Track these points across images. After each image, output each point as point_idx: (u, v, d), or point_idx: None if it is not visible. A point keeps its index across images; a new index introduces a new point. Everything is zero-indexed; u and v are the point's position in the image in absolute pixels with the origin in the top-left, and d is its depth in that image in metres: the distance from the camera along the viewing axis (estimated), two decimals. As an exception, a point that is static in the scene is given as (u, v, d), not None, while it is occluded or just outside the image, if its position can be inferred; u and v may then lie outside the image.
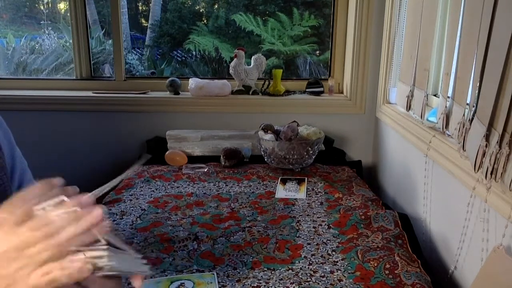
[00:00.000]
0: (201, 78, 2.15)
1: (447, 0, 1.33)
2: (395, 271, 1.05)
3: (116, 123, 2.08)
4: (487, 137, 0.96)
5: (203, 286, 0.61)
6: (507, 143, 0.89)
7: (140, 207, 1.42)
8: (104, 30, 3.85)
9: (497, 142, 0.92)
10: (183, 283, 0.75)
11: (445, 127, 1.25)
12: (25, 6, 4.13)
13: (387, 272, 1.05)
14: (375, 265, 1.08)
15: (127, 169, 0.62)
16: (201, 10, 4.64)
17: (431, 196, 1.40)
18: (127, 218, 1.34)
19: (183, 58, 4.42)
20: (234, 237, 1.22)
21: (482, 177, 1.00)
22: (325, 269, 1.07)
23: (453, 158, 1.18)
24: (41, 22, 3.99)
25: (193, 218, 1.34)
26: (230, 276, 1.02)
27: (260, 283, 1.01)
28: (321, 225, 1.30)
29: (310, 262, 1.10)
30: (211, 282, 0.63)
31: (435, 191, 1.38)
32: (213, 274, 0.79)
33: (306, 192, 1.55)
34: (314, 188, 1.58)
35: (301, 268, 1.07)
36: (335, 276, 1.04)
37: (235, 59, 2.06)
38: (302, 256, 1.13)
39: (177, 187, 1.60)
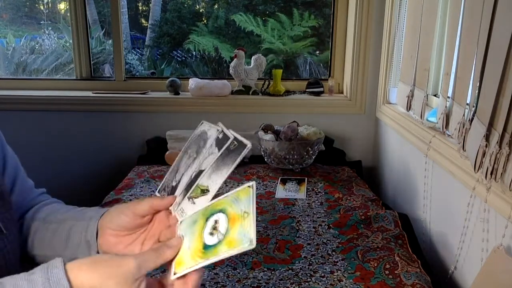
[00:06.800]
0: (201, 78, 2.15)
1: (447, 0, 1.33)
2: (395, 271, 1.05)
3: (116, 123, 2.08)
4: (487, 137, 0.96)
5: (238, 221, 0.50)
6: (507, 143, 0.89)
7: (140, 207, 1.42)
8: (104, 30, 3.84)
9: (497, 142, 0.91)
10: (217, 220, 0.60)
11: (445, 127, 1.24)
12: (25, 6, 4.12)
13: (387, 272, 1.05)
14: (375, 265, 1.08)
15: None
16: (201, 10, 4.64)
17: (431, 196, 1.40)
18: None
19: (183, 58, 4.41)
20: (234, 237, 1.22)
21: (482, 177, 1.00)
22: (325, 269, 1.07)
23: (453, 158, 1.18)
24: (41, 22, 3.99)
25: (193, 218, 1.34)
26: (230, 276, 1.02)
27: (260, 283, 1.00)
28: (321, 225, 1.30)
29: (310, 262, 1.10)
30: (247, 213, 0.49)
31: (435, 191, 1.37)
32: (250, 188, 0.55)
33: (306, 192, 1.55)
34: (314, 188, 1.58)
35: (301, 268, 1.07)
36: (335, 276, 1.04)
37: (235, 59, 2.06)
38: (302, 256, 1.13)
39: (177, 187, 1.59)
